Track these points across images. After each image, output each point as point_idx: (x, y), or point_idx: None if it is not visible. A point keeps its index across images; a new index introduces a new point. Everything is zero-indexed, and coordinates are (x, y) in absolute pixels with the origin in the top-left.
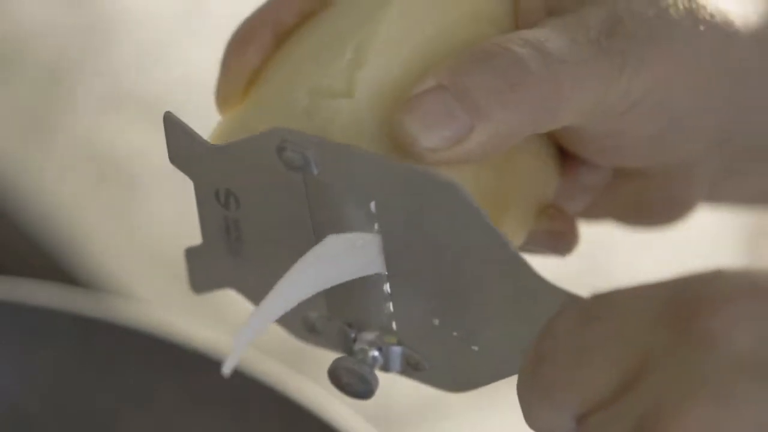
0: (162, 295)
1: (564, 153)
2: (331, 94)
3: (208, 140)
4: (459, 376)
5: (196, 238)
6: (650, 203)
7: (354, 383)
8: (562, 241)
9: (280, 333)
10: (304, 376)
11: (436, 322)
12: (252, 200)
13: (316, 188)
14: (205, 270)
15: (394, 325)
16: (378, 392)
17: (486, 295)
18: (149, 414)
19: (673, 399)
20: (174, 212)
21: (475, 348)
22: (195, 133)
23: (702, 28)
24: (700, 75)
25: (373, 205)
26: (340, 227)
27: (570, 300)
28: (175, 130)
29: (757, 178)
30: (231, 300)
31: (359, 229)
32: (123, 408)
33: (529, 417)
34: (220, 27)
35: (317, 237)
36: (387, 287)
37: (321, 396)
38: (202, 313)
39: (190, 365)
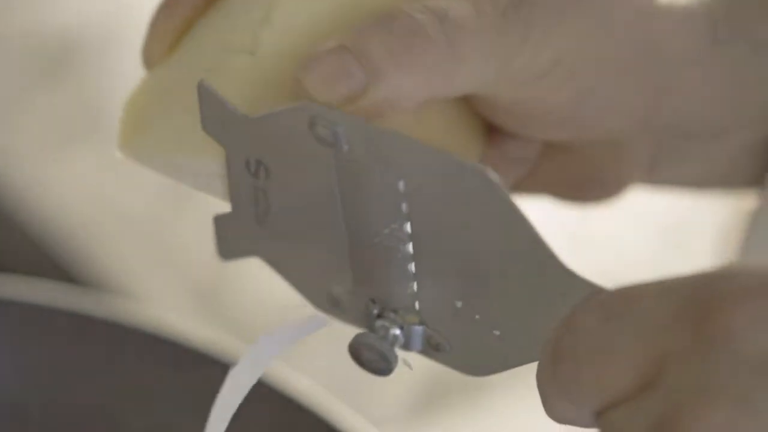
0: (162, 295)
1: (490, 126)
2: (236, 50)
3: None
4: (479, 360)
5: (195, 237)
6: (580, 180)
7: (374, 360)
8: None
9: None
10: (303, 373)
11: (459, 304)
12: (282, 171)
13: (345, 164)
14: (232, 238)
15: (417, 305)
16: (378, 392)
17: (510, 281)
18: (149, 413)
19: (691, 400)
20: (174, 212)
21: (497, 333)
22: (228, 102)
23: (617, 3)
24: (613, 49)
25: (402, 184)
26: (368, 204)
27: (592, 291)
28: (209, 98)
29: (692, 162)
30: (231, 300)
31: (388, 206)
32: (122, 407)
33: (547, 408)
34: None
35: (345, 212)
36: (412, 267)
37: (321, 395)
38: (202, 312)
39: (190, 365)
